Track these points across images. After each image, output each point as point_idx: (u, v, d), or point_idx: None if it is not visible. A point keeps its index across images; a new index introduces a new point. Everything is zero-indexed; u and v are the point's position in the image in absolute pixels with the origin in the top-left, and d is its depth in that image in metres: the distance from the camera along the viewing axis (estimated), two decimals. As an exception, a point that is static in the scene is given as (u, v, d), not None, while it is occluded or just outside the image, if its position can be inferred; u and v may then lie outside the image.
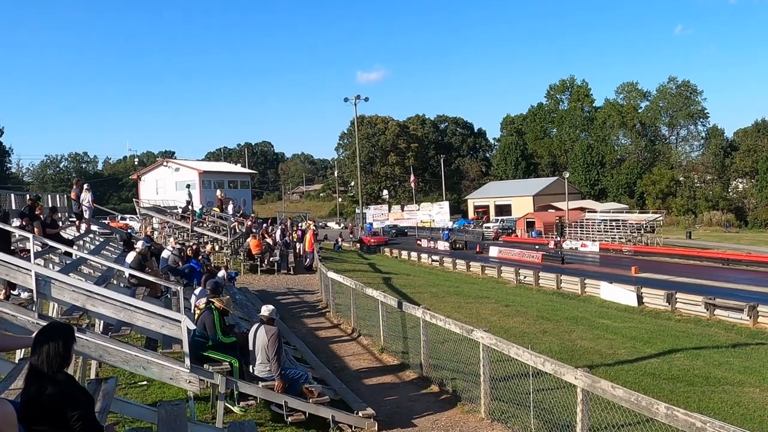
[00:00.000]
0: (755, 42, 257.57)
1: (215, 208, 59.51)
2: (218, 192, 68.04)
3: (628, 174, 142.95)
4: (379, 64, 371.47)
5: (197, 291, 18.07)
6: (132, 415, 10.35)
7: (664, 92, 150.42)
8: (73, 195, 32.26)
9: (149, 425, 9.66)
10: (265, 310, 13.76)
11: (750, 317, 35.05)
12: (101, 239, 29.78)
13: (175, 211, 57.67)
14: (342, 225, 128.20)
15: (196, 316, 14.62)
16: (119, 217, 75.79)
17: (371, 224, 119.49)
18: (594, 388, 9.93)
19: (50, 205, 28.73)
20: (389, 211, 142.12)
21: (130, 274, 18.49)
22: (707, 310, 37.45)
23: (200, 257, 27.18)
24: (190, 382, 10.67)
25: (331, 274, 28.11)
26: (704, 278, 53.86)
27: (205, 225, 51.53)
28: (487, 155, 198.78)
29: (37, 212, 21.89)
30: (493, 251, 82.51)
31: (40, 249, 16.72)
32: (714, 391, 18.20)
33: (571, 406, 10.90)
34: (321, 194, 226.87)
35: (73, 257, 19.03)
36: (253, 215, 68.41)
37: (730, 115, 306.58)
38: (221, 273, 25.15)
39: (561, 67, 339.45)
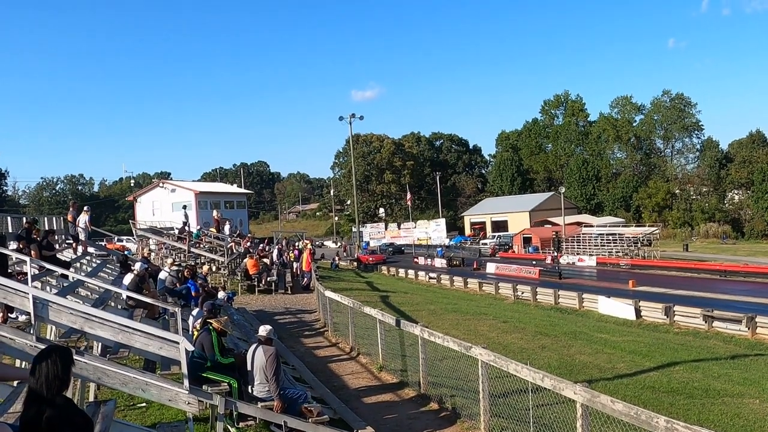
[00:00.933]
0: (748, 54, 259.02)
1: (212, 229, 59.45)
2: (215, 212, 67.96)
3: (623, 188, 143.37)
4: (373, 83, 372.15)
5: (195, 312, 18.06)
6: (131, 437, 10.34)
7: (658, 105, 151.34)
8: (69, 217, 32.25)
9: (149, 447, 9.66)
10: (263, 330, 13.75)
11: (748, 328, 35.12)
12: (98, 261, 29.82)
13: (172, 232, 57.62)
14: (339, 244, 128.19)
15: (194, 337, 14.62)
16: (116, 238, 76.07)
17: (368, 242, 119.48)
18: (593, 403, 9.91)
19: (47, 228, 28.73)
20: (386, 229, 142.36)
21: (127, 296, 18.49)
22: (705, 322, 37.47)
23: (198, 279, 27.18)
24: (189, 403, 10.66)
25: (329, 294, 28.11)
26: (702, 290, 53.95)
27: (201, 246, 51.51)
28: (483, 171, 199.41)
29: (34, 235, 21.89)
30: (491, 267, 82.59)
31: (37, 272, 16.71)
32: (714, 403, 18.19)
33: (571, 421, 10.90)
34: (317, 213, 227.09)
35: (71, 280, 19.02)
36: (249, 235, 68.42)
37: (725, 127, 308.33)
38: (221, 294, 25.14)
39: (555, 82, 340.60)
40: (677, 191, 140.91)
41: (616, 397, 9.90)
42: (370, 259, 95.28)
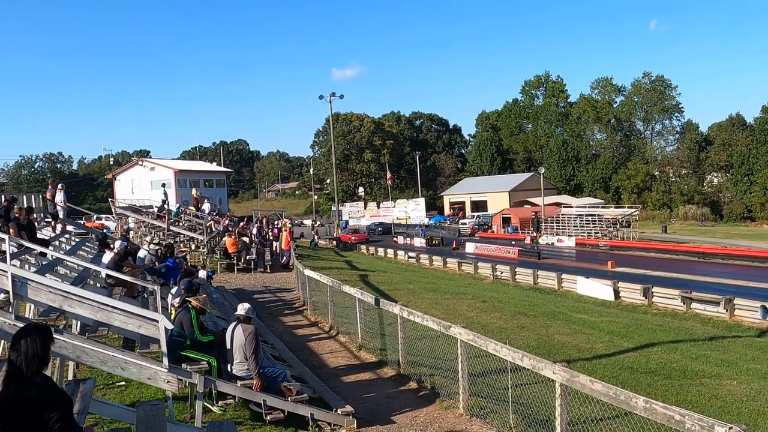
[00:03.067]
0: (730, 37, 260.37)
1: (191, 207, 59.26)
2: (194, 191, 67.79)
3: (603, 169, 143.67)
4: (354, 62, 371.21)
5: (174, 290, 18.02)
6: (111, 416, 10.33)
7: (638, 87, 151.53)
8: (48, 195, 32.15)
9: (128, 426, 9.65)
10: (242, 308, 13.71)
11: (726, 310, 35.25)
12: (77, 239, 29.65)
13: (151, 210, 57.41)
14: (318, 223, 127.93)
15: (173, 315, 14.59)
16: (95, 217, 75.56)
17: (346, 222, 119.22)
18: (572, 383, 9.95)
19: (26, 206, 28.60)
20: (365, 208, 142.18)
21: (106, 274, 18.43)
22: (684, 303, 37.61)
23: (176, 256, 27.08)
24: (168, 381, 10.65)
25: (308, 272, 28.06)
26: (680, 272, 54.20)
27: (181, 224, 51.35)
28: (463, 151, 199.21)
29: (16, 214, 21.79)
30: (470, 247, 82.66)
31: (15, 250, 16.64)
32: (692, 384, 18.29)
33: (550, 401, 10.95)
34: (297, 192, 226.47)
35: (49, 258, 18.95)
36: (228, 214, 68.31)
37: (705, 110, 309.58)
38: (201, 273, 25.11)
39: (536, 63, 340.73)
40: (657, 173, 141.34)
41: (595, 377, 9.94)
42: (353, 238, 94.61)
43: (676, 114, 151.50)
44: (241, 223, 56.76)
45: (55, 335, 6.60)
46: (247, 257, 42.79)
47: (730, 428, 6.97)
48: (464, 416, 13.28)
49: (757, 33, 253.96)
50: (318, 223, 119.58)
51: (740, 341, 28.95)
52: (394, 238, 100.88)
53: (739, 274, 52.63)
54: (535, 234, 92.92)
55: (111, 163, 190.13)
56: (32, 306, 14.22)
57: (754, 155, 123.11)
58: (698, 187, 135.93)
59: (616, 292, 42.22)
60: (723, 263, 63.35)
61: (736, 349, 26.58)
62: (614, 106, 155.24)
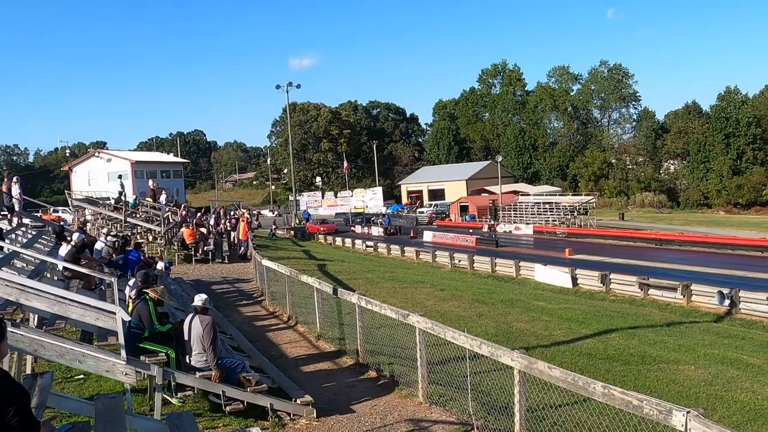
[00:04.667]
0: (686, 26, 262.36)
1: (148, 198, 58.98)
2: (151, 182, 67.46)
3: (560, 157, 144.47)
4: (311, 51, 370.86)
5: (131, 282, 17.95)
6: (69, 409, 10.29)
7: (595, 75, 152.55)
8: (3, 188, 31.91)
9: (87, 419, 9.61)
10: (198, 299, 13.64)
11: (684, 296, 35.58)
12: (33, 232, 29.44)
13: (108, 202, 57.03)
14: (276, 213, 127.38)
15: (130, 307, 14.54)
16: (51, 209, 74.92)
17: (308, 212, 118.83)
18: (531, 370, 10.02)
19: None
20: (323, 197, 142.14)
21: (63, 267, 18.32)
22: (641, 290, 37.92)
23: (129, 247, 26.90)
24: (126, 374, 10.61)
25: (266, 262, 28.02)
26: (638, 259, 54.71)
27: (138, 215, 51.07)
28: (420, 140, 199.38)
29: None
30: (427, 236, 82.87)
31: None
32: (650, 369, 18.44)
33: (509, 388, 10.99)
34: (254, 182, 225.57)
35: (5, 251, 18.79)
36: (186, 204, 67.97)
37: (661, 98, 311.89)
38: (159, 265, 25.00)
39: (493, 51, 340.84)
40: (613, 161, 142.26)
41: (553, 363, 10.00)
42: (321, 229, 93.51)
43: (633, 102, 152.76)
44: (198, 214, 56.55)
45: (12, 329, 6.58)
46: (205, 248, 42.62)
47: (688, 412, 7.05)
48: (424, 404, 13.34)
49: (712, 22, 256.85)
50: (276, 213, 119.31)
51: (697, 327, 29.24)
52: (352, 227, 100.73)
53: (696, 261, 53.26)
54: (492, 222, 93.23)
55: (67, 155, 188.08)
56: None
57: (710, 143, 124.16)
58: (655, 174, 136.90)
59: (574, 279, 42.47)
60: (680, 250, 64.00)
61: (694, 334, 26.83)
62: (571, 94, 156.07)
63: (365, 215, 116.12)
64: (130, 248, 25.77)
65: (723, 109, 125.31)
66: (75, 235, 22.52)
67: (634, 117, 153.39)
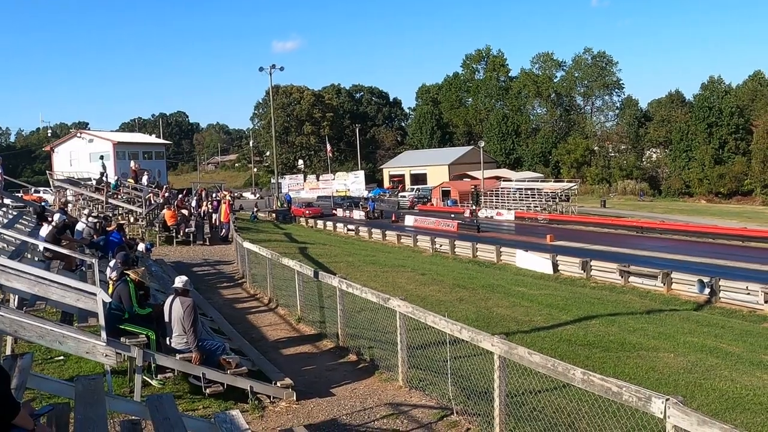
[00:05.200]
0: (670, 15, 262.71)
1: (130, 180, 58.78)
2: (132, 163, 67.21)
3: (543, 143, 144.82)
4: (295, 33, 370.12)
5: (112, 263, 17.89)
6: (49, 390, 10.28)
7: (579, 63, 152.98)
8: (-16, 168, 31.78)
9: (67, 401, 9.59)
10: (179, 281, 13.62)
11: (664, 284, 35.76)
12: (14, 213, 29.32)
13: (90, 182, 56.86)
14: (257, 195, 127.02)
15: (111, 289, 14.50)
16: (32, 189, 74.62)
17: (289, 194, 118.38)
18: (511, 355, 10.01)
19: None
20: (305, 180, 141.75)
21: (44, 248, 18.28)
22: (622, 277, 38.09)
23: (110, 228, 26.80)
24: (106, 355, 10.58)
25: (247, 245, 27.96)
26: (619, 246, 54.88)
27: (119, 197, 50.92)
28: (403, 125, 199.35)
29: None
30: (409, 220, 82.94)
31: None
32: (629, 356, 18.50)
33: (489, 373, 11.00)
34: (236, 164, 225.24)
35: (-15, 231, 18.74)
36: (167, 186, 67.76)
37: (645, 86, 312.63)
38: (140, 246, 24.92)
39: (477, 37, 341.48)
40: (596, 148, 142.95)
41: (534, 349, 10.01)
42: (307, 212, 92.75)
43: (616, 90, 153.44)
44: (180, 196, 56.42)
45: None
46: (186, 230, 42.51)
47: (667, 399, 7.08)
48: (403, 388, 13.38)
49: (697, 12, 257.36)
50: (258, 196, 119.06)
51: (677, 314, 29.37)
52: (333, 210, 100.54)
53: (677, 249, 53.43)
54: (474, 207, 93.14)
55: (49, 135, 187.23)
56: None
57: (693, 132, 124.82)
58: (637, 162, 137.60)
59: (555, 266, 42.60)
60: (661, 238, 64.19)
61: (674, 322, 26.95)
62: (555, 81, 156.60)
63: (354, 199, 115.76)
64: (111, 229, 25.70)
65: (706, 99, 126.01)
66: (56, 216, 22.44)
67: (617, 105, 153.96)
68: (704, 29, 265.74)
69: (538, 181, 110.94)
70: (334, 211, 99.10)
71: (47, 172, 74.89)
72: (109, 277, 16.29)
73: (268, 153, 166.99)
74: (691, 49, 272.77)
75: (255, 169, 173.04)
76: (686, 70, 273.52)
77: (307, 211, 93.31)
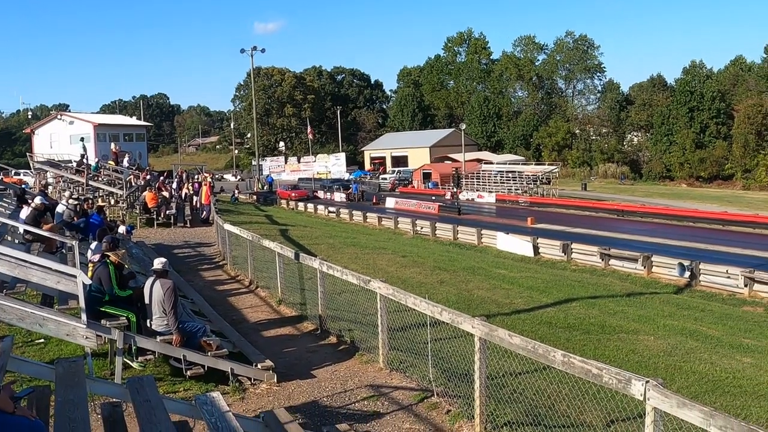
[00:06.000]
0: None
1: (110, 162, 58.60)
2: (113, 145, 67.00)
3: (524, 126, 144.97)
4: (276, 15, 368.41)
5: (93, 245, 17.85)
6: (29, 373, 10.24)
7: (561, 46, 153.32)
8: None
9: (47, 383, 9.57)
10: (158, 263, 13.56)
11: (644, 267, 35.87)
12: (-6, 194, 29.26)
13: (70, 165, 56.71)
14: (238, 177, 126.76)
15: (91, 271, 14.46)
16: (13, 172, 74.39)
17: (270, 176, 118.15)
18: (491, 337, 10.03)
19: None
20: (286, 162, 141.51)
21: (24, 230, 18.23)
22: (602, 260, 38.19)
23: (90, 210, 26.75)
24: (87, 337, 10.59)
25: (228, 227, 27.95)
26: (599, 229, 55.02)
27: (100, 179, 50.79)
28: (384, 107, 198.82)
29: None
30: (390, 202, 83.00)
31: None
32: (609, 339, 18.61)
33: (469, 355, 11.04)
34: (217, 146, 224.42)
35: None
36: (148, 168, 67.63)
37: (626, 70, 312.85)
38: (121, 228, 24.90)
39: (459, 19, 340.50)
40: (577, 131, 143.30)
41: (514, 331, 10.02)
42: (293, 194, 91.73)
43: (598, 73, 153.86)
44: (161, 178, 56.30)
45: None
46: (167, 212, 42.44)
47: (647, 382, 7.12)
48: (384, 370, 13.43)
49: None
50: (238, 178, 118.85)
51: (657, 297, 29.51)
52: (315, 192, 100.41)
53: (657, 232, 53.76)
54: (455, 190, 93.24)
55: (29, 117, 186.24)
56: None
57: (674, 116, 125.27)
58: (618, 145, 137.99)
59: (536, 248, 42.67)
60: (641, 221, 64.49)
61: (654, 305, 27.09)
62: (536, 64, 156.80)
63: (344, 181, 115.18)
64: (92, 210, 25.66)
65: (688, 83, 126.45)
66: (36, 198, 22.40)
67: (599, 88, 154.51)
68: (686, 13, 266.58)
69: (519, 163, 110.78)
70: (315, 193, 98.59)
71: (27, 154, 74.72)
72: (90, 260, 16.25)
73: (249, 135, 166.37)
74: (673, 33, 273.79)
75: (236, 151, 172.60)
76: (668, 55, 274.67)
77: (293, 194, 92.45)
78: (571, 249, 40.54)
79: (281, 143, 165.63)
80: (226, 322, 16.96)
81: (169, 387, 12.31)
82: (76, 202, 26.49)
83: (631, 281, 34.79)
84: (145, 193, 43.60)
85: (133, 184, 49.84)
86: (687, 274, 33.78)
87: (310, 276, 19.35)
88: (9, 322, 10.62)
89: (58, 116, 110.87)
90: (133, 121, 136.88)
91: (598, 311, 23.54)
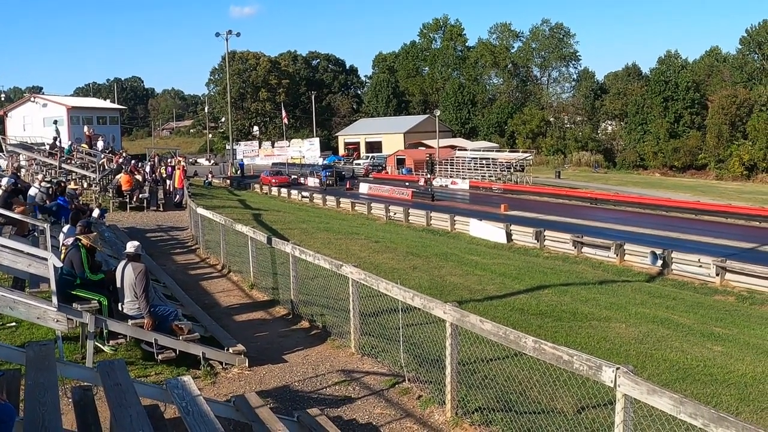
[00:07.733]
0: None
1: (84, 145, 58.23)
2: (87, 128, 66.63)
3: (499, 113, 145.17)
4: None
5: (65, 229, 17.77)
6: (0, 357, 10.23)
7: (537, 34, 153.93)
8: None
9: (18, 367, 9.57)
10: (131, 246, 13.47)
11: (617, 255, 36.00)
12: (-36, 177, 29.05)
13: (43, 147, 56.32)
14: (212, 162, 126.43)
15: (63, 254, 14.41)
16: (-16, 154, 73.84)
17: (242, 161, 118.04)
18: (463, 323, 10.07)
19: None
20: (260, 147, 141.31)
21: (-6, 213, 18.13)
22: (575, 247, 38.35)
23: (66, 194, 26.65)
24: (57, 321, 10.56)
25: (201, 210, 27.85)
26: (573, 217, 55.31)
27: (73, 162, 50.51)
28: (359, 92, 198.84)
29: None
30: (363, 188, 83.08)
31: None
32: (581, 326, 18.66)
33: (441, 341, 11.07)
34: (191, 130, 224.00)
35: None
36: (122, 151, 67.27)
37: (602, 59, 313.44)
38: (96, 212, 24.78)
39: (435, 6, 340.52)
40: (552, 119, 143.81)
41: (486, 317, 10.05)
42: (273, 181, 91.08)
43: (573, 62, 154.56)
44: (134, 162, 56.06)
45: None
46: (140, 195, 42.25)
47: (618, 369, 7.16)
48: (355, 355, 13.46)
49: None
50: (212, 162, 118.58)
51: (629, 286, 29.64)
52: (298, 179, 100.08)
53: (630, 221, 54.04)
54: (429, 176, 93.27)
55: (2, 99, 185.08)
56: None
57: (649, 105, 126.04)
58: (592, 134, 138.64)
59: (509, 235, 42.79)
60: (614, 209, 64.63)
61: (626, 293, 27.22)
62: (512, 51, 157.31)
63: (332, 167, 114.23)
64: (69, 194, 25.55)
65: (662, 73, 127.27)
66: (4, 180, 22.27)
67: (574, 76, 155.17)
68: (662, 3, 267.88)
69: (493, 150, 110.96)
70: (299, 180, 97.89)
71: (0, 136, 74.18)
72: (63, 243, 16.19)
73: (223, 119, 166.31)
74: (649, 23, 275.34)
75: (210, 136, 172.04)
76: (643, 44, 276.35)
77: (274, 180, 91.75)
78: (544, 236, 40.67)
79: (255, 128, 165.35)
80: (198, 307, 16.93)
81: (141, 371, 12.28)
82: (48, 185, 26.39)
83: (604, 269, 34.91)
84: (119, 176, 43.37)
85: (107, 167, 49.58)
86: (659, 262, 33.96)
87: (282, 261, 19.28)
88: (-21, 305, 10.57)
89: (32, 98, 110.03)
90: (106, 104, 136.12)
91: (570, 298, 23.61)
